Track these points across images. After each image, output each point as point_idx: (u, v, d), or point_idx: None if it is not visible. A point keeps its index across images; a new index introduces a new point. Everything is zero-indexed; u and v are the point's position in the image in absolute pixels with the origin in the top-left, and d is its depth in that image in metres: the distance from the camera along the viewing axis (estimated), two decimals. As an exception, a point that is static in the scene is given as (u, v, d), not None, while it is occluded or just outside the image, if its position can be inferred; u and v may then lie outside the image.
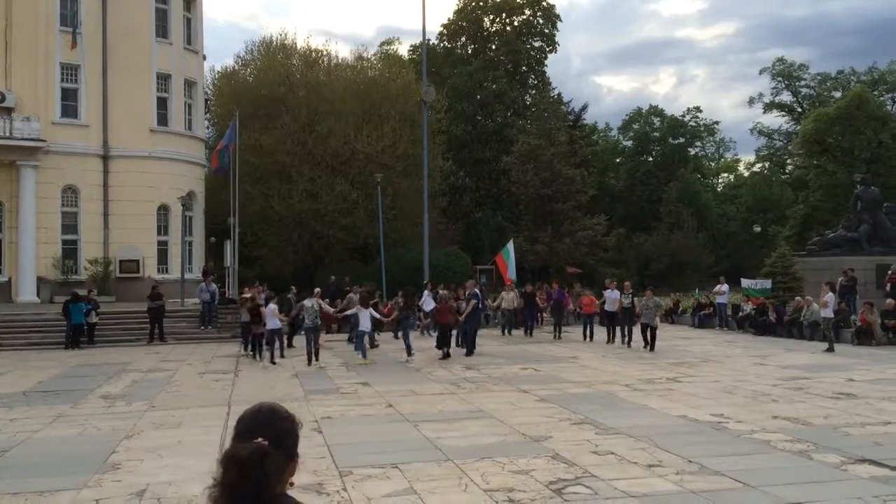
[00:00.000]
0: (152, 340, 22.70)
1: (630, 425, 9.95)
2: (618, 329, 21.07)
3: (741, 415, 10.65)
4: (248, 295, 19.88)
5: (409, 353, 17.95)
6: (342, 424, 10.52)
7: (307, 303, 18.06)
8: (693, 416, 10.56)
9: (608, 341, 21.25)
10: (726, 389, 12.90)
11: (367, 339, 18.19)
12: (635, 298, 20.63)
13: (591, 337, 22.00)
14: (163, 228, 31.06)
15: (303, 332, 18.66)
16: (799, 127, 55.55)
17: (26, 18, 28.49)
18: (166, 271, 30.54)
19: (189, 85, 32.57)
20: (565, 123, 45.79)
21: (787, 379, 14.07)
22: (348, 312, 19.11)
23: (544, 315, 25.43)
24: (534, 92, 52.56)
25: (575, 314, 25.93)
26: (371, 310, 18.34)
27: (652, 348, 19.01)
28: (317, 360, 17.35)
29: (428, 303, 22.27)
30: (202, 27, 33.84)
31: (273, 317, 17.92)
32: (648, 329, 19.23)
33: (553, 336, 23.13)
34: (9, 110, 27.89)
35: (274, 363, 17.56)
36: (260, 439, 2.02)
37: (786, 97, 61.66)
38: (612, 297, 21.31)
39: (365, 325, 17.52)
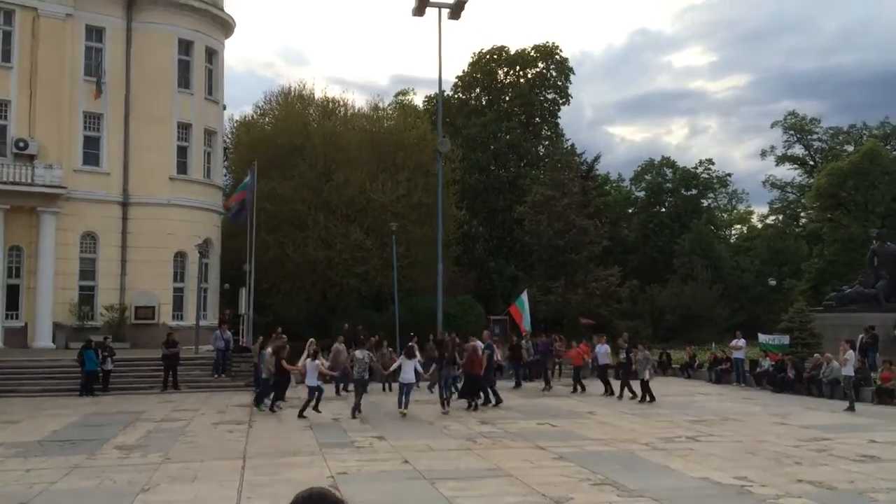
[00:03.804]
0: (166, 388, 22.65)
1: (652, 487, 9.79)
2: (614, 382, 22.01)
3: (765, 478, 10.46)
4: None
5: (444, 406, 18.11)
6: (359, 481, 10.42)
7: (358, 354, 18.06)
8: (716, 479, 10.37)
9: (609, 394, 21.73)
10: (748, 450, 12.69)
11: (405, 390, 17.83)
12: (631, 354, 21.43)
13: (583, 388, 22.53)
14: (179, 275, 31.26)
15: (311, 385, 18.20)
16: (812, 180, 55.65)
17: (51, 68, 29.20)
18: (181, 318, 30.63)
19: (209, 134, 33.13)
20: (578, 174, 46.08)
21: (809, 440, 13.85)
22: (394, 366, 19.10)
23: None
24: (547, 143, 53.04)
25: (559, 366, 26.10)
26: (416, 362, 18.27)
27: (651, 399, 19.77)
28: (357, 413, 17.05)
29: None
30: (223, 78, 34.54)
31: (314, 373, 17.43)
32: (641, 382, 20.09)
33: (543, 388, 23.48)
34: (31, 157, 28.42)
35: (303, 416, 16.86)
36: None
37: (798, 150, 61.94)
38: (602, 352, 22.52)
39: (408, 376, 17.40)
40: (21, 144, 28.35)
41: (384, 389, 22.56)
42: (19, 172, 27.77)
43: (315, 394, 17.36)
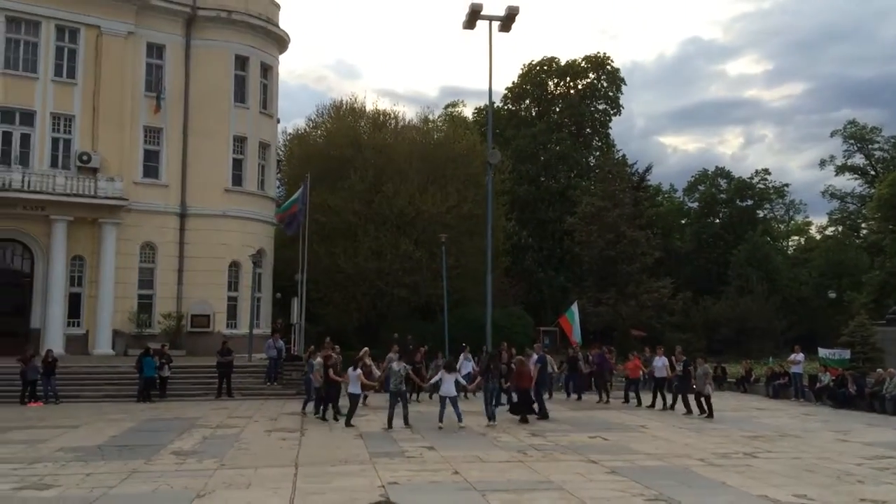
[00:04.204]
0: (220, 395, 23.09)
1: (708, 504, 9.58)
2: (668, 395, 21.65)
3: (825, 496, 10.15)
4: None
5: (490, 419, 17.84)
6: (410, 491, 10.41)
7: (394, 366, 17.79)
8: (775, 496, 10.09)
9: (650, 406, 21.64)
10: (808, 467, 12.33)
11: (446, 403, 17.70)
12: (689, 367, 20.97)
13: (639, 402, 22.19)
14: (233, 284, 31.89)
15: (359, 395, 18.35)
16: (873, 190, 54.00)
17: (113, 84, 30.17)
18: (235, 326, 31.21)
19: (263, 147, 33.79)
20: (629, 185, 45.57)
21: (872, 457, 13.39)
22: (434, 379, 19.09)
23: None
24: (598, 153, 52.62)
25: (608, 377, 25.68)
26: (458, 375, 18.16)
27: (710, 415, 19.24)
28: (406, 424, 16.96)
29: (465, 366, 22.00)
30: (277, 92, 35.22)
31: (356, 381, 17.59)
32: (702, 397, 19.61)
33: (598, 400, 23.24)
34: (94, 170, 29.36)
35: (351, 426, 17.15)
36: None
37: (858, 160, 60.21)
38: (660, 365, 21.99)
39: (448, 389, 17.23)
40: (84, 158, 29.33)
41: (431, 397, 22.53)
42: (83, 185, 28.72)
43: (357, 401, 17.47)
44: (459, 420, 17.07)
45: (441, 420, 17.11)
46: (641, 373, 22.97)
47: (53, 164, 29.47)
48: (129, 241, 30.01)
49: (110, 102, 30.06)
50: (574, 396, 24.16)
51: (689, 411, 20.09)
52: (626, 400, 22.45)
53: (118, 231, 29.49)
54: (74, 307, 29.17)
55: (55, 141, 29.70)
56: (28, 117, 29.27)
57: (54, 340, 27.13)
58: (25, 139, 29.20)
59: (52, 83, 29.61)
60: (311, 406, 19.39)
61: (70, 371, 23.35)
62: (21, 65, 29.35)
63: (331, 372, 18.63)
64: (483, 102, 61.96)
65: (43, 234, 28.56)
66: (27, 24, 29.52)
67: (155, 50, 31.63)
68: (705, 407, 19.46)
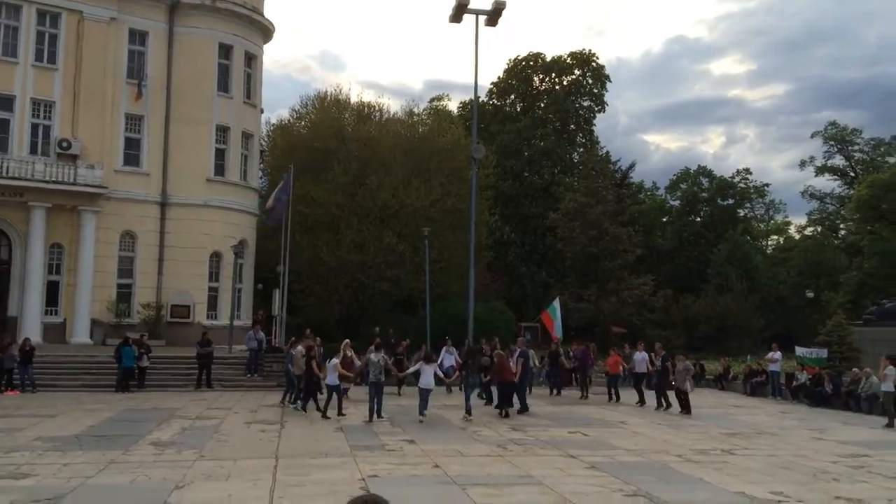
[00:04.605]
0: (199, 386, 22.95)
1: (687, 500, 9.68)
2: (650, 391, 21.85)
3: (801, 493, 10.27)
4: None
5: (468, 412, 17.82)
6: (390, 485, 10.41)
7: (373, 357, 17.70)
8: (751, 493, 10.20)
9: (638, 402, 21.67)
10: (784, 465, 12.47)
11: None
12: (667, 363, 21.17)
13: (618, 398, 22.31)
14: (214, 275, 31.66)
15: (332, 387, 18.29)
16: (852, 191, 54.66)
17: (94, 70, 29.80)
18: (215, 317, 31.01)
19: (246, 137, 33.54)
20: (612, 182, 45.74)
21: (848, 456, 13.57)
22: (412, 369, 19.07)
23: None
24: (581, 150, 52.77)
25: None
26: (436, 366, 18.15)
27: (688, 412, 19.45)
28: (379, 416, 16.97)
29: (447, 360, 22.03)
30: (261, 82, 34.97)
31: (333, 372, 17.56)
32: (681, 393, 19.77)
33: (580, 395, 23.36)
34: (74, 157, 29.01)
35: (326, 417, 17.19)
36: None
37: (838, 161, 60.88)
38: (640, 359, 22.05)
39: (426, 381, 17.18)
40: (64, 144, 28.97)
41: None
42: (62, 172, 28.37)
43: (333, 393, 17.42)
44: (421, 413, 17.03)
45: (421, 413, 17.10)
46: (621, 369, 23.13)
47: (33, 150, 29.08)
48: (109, 230, 29.70)
49: (91, 89, 29.69)
50: (556, 391, 24.26)
51: (668, 406, 20.24)
52: (610, 398, 22.54)
53: (97, 219, 29.18)
54: (52, 295, 28.85)
55: (35, 127, 29.31)
56: (7, 102, 28.86)
57: (32, 328, 26.82)
58: (4, 125, 28.79)
59: (32, 68, 29.21)
60: (289, 399, 19.34)
61: (47, 360, 23.10)
62: (1, 49, 28.90)
63: (313, 364, 18.58)
64: (468, 97, 61.99)
65: (21, 220, 28.19)
66: (8, 8, 29.08)
67: (137, 36, 31.26)
68: (683, 404, 19.63)
